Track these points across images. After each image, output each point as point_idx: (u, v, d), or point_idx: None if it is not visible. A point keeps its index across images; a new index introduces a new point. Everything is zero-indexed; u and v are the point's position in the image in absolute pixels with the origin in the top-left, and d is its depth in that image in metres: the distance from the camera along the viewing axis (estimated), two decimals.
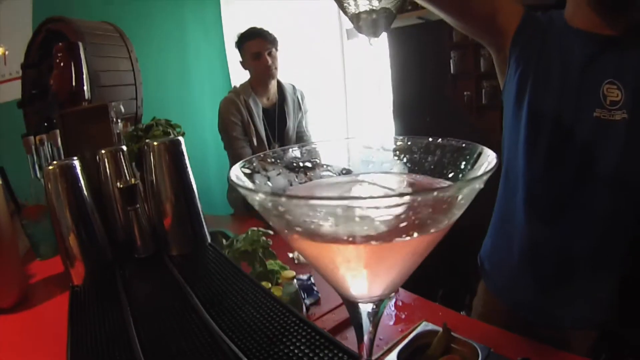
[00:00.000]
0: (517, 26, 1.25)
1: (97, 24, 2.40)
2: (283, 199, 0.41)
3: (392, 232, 0.38)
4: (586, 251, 1.22)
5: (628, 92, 1.12)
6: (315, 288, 1.33)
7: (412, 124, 3.21)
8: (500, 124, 1.38)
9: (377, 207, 0.37)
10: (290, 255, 1.61)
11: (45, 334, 1.16)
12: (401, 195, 0.36)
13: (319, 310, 1.25)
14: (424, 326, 1.06)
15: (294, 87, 3.07)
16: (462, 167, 0.49)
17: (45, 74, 2.02)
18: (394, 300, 1.26)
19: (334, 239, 0.39)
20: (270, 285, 1.29)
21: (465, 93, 3.00)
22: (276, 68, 2.88)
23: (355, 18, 0.73)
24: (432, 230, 0.40)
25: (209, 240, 1.29)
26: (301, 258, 1.57)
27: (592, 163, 1.17)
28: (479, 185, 0.40)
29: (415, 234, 0.39)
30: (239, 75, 3.57)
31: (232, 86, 3.26)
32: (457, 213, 0.41)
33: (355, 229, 0.38)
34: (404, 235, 0.39)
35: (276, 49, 2.88)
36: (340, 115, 3.91)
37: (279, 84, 2.99)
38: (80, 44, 1.56)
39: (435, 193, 0.37)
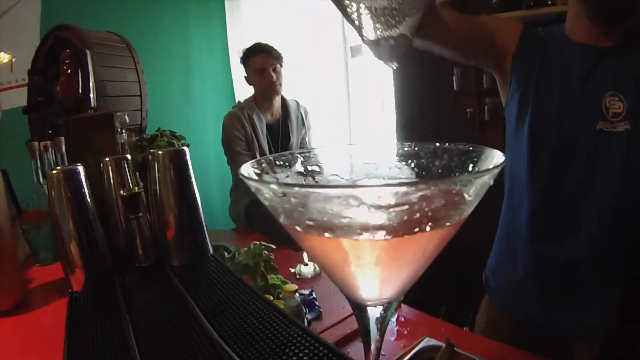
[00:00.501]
0: (517, 43, 1.27)
1: (105, 34, 2.41)
2: (296, 189, 0.40)
3: (405, 225, 0.38)
4: (591, 261, 1.22)
5: (629, 103, 1.13)
6: (317, 303, 1.32)
7: (415, 140, 3.20)
8: (503, 140, 1.38)
9: (390, 197, 0.36)
10: (292, 270, 1.60)
11: (43, 339, 1.15)
12: (416, 183, 0.35)
13: (321, 326, 1.24)
14: (427, 342, 1.05)
15: (297, 104, 3.07)
16: (470, 169, 0.48)
17: (51, 81, 2.03)
18: (396, 316, 1.25)
19: (347, 233, 0.39)
20: (272, 298, 1.28)
21: (467, 110, 3.00)
22: (280, 84, 2.89)
23: (373, 45, 0.73)
24: (446, 225, 0.40)
25: (211, 251, 1.28)
26: (303, 272, 1.56)
27: (595, 174, 1.18)
28: (488, 178, 0.40)
29: (428, 228, 0.39)
30: (243, 91, 3.58)
31: (237, 101, 3.27)
32: (468, 209, 0.41)
33: (368, 221, 0.37)
34: (416, 230, 0.38)
35: (281, 65, 2.89)
36: (343, 131, 3.92)
37: (283, 100, 2.99)
38: (87, 52, 1.56)
39: (448, 180, 0.38)
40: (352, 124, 3.89)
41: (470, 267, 1.67)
